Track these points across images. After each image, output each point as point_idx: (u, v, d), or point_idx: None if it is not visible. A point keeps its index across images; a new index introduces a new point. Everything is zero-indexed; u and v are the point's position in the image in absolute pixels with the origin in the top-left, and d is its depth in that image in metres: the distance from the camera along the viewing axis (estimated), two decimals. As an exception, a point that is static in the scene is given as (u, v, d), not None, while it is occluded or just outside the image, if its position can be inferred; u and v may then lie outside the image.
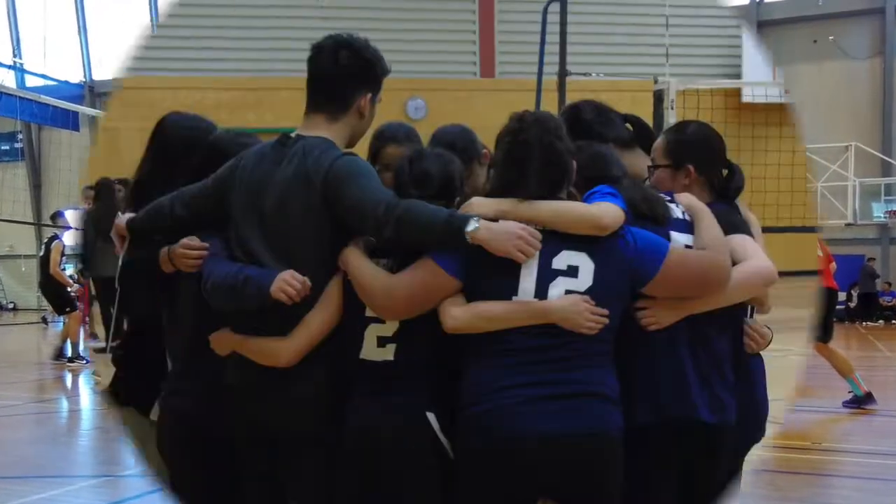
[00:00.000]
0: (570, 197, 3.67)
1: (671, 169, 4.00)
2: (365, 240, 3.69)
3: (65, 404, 12.24)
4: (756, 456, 4.21)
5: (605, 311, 3.50)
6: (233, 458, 3.87)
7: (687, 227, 3.76)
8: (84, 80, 21.83)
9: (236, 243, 3.82)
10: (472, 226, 3.47)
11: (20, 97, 21.51)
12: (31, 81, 28.89)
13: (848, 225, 24.91)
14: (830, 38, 27.46)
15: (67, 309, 14.95)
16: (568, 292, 3.50)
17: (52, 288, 15.10)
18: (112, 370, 4.55)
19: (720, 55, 26.04)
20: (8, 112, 21.50)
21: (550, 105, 14.94)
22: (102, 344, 8.91)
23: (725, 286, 3.67)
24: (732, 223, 3.86)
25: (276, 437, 3.73)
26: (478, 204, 3.60)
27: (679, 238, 3.72)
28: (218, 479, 3.96)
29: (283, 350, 3.69)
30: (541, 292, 3.50)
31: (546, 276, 3.51)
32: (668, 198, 3.83)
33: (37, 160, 32.51)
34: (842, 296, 23.66)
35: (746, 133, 19.72)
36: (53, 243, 15.05)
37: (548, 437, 3.41)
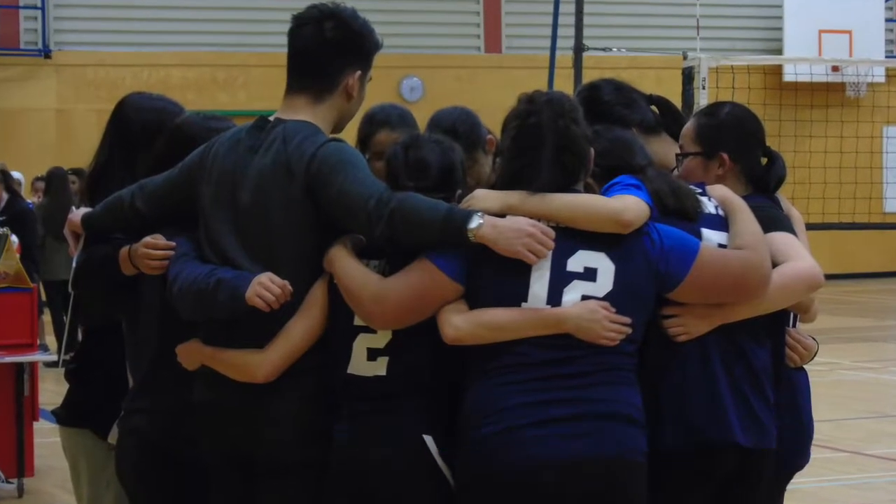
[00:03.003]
0: (588, 189, 3.67)
1: (703, 157, 4.00)
2: (353, 238, 3.69)
3: None
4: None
5: (627, 320, 3.51)
6: (204, 483, 3.87)
7: (720, 223, 3.77)
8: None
9: (206, 242, 3.83)
10: (475, 222, 3.47)
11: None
12: None
13: None
14: None
15: None
16: (584, 298, 3.50)
17: None
18: (65, 387, 4.55)
19: (759, 27, 26.00)
20: None
21: (565, 84, 14.95)
22: (54, 357, 8.86)
23: (764, 291, 3.67)
24: (772, 219, 3.86)
25: (254, 459, 3.73)
26: (482, 197, 3.60)
27: (712, 236, 3.72)
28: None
29: (260, 364, 3.68)
30: (554, 298, 3.50)
31: (560, 279, 3.51)
32: (700, 190, 3.84)
33: None
34: None
35: (788, 116, 19.69)
36: None
37: (562, 464, 3.42)
